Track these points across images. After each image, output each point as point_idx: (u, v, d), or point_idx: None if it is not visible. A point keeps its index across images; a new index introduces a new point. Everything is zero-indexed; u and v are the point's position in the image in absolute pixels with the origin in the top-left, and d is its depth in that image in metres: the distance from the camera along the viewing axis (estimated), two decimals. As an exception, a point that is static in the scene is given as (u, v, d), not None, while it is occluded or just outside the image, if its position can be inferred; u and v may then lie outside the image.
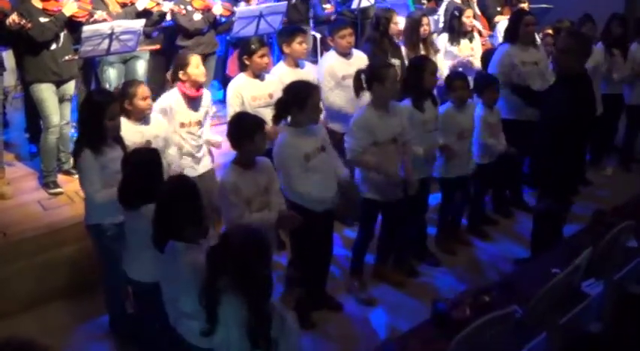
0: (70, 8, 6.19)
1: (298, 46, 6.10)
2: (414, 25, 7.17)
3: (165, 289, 3.80)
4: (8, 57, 6.99)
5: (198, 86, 5.56)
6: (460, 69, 7.20)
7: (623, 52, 7.92)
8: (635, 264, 4.35)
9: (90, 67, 6.93)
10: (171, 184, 3.92)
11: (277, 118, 4.85)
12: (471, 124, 6.03)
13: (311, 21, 9.17)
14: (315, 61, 7.31)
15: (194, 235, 3.66)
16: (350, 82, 5.44)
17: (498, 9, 9.24)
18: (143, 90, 5.18)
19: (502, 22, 8.36)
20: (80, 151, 4.64)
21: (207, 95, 5.77)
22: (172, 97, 5.54)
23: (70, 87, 6.46)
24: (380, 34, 6.90)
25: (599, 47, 7.78)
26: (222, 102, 6.98)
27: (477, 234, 6.61)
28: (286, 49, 6.15)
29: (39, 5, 6.09)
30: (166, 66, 7.03)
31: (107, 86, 6.63)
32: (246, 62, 5.84)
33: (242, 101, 5.78)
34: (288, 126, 4.84)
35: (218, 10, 7.42)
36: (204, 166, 5.82)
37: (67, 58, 6.16)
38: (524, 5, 8.44)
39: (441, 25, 8.51)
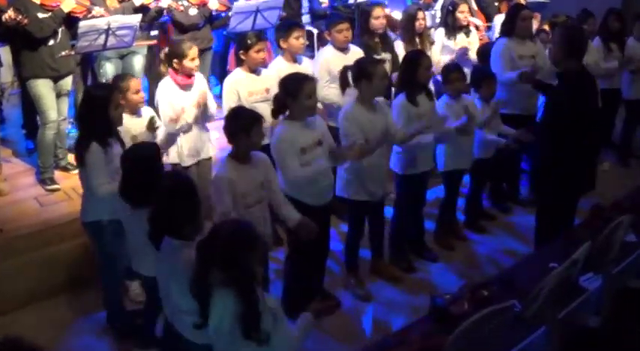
0: (68, 4, 6.17)
1: (295, 41, 6.08)
2: (409, 19, 7.14)
3: (162, 285, 3.79)
4: (5, 53, 6.97)
5: (190, 75, 5.60)
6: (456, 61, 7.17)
7: (620, 46, 7.91)
8: (633, 258, 4.36)
9: (87, 63, 6.91)
10: (169, 181, 3.91)
11: (276, 113, 4.85)
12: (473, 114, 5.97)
13: (309, 16, 9.14)
14: (312, 57, 7.29)
15: (192, 232, 3.65)
16: (348, 77, 5.43)
17: (496, 4, 9.24)
18: (135, 83, 5.32)
19: (499, 16, 8.35)
20: (87, 145, 4.62)
21: (200, 78, 5.76)
22: (167, 86, 5.56)
23: (68, 82, 6.45)
24: (361, 30, 6.87)
25: (596, 43, 7.78)
26: (219, 97, 6.96)
27: (474, 229, 6.61)
28: (283, 45, 6.13)
29: (37, 0, 6.06)
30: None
31: (104, 81, 6.61)
32: (243, 57, 5.82)
33: (238, 97, 5.77)
34: (285, 119, 4.83)
35: (214, 4, 7.40)
36: (205, 153, 5.85)
37: (63, 53, 6.14)
38: (521, 0, 8.42)
39: (437, 20, 8.49)
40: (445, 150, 6.00)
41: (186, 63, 5.48)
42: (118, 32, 5.99)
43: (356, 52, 6.27)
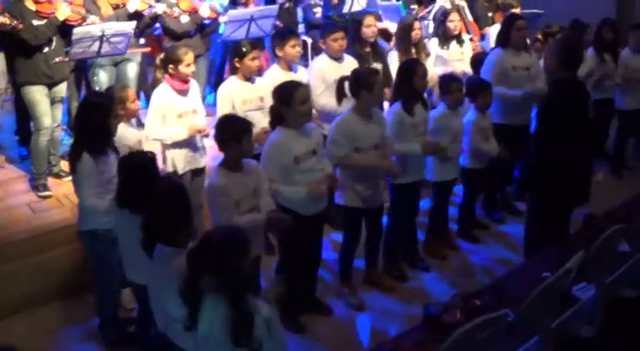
0: (63, 12, 6.18)
1: (291, 49, 6.07)
2: (406, 28, 7.14)
3: (153, 294, 3.78)
4: (-1, 59, 6.98)
5: (186, 81, 5.61)
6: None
7: (614, 57, 7.94)
8: (626, 268, 4.35)
9: (81, 70, 6.91)
10: (163, 187, 3.90)
11: (273, 124, 4.85)
12: (462, 127, 6.05)
13: (303, 25, 9.16)
14: (305, 66, 7.29)
15: (184, 239, 3.65)
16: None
17: (490, 14, 9.26)
18: (132, 92, 5.43)
19: (494, 26, 8.37)
20: (79, 154, 4.62)
21: (194, 85, 5.77)
22: (164, 92, 5.56)
23: (62, 89, 6.45)
24: (353, 38, 6.87)
25: (590, 53, 7.81)
26: (213, 106, 6.97)
27: (467, 238, 6.60)
28: (279, 53, 6.13)
29: (32, 7, 6.07)
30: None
31: (97, 89, 6.60)
32: (237, 65, 5.82)
33: (232, 105, 5.76)
34: (281, 126, 4.83)
35: (205, 11, 7.42)
36: (200, 162, 5.86)
37: (57, 59, 6.14)
38: (516, 10, 8.44)
39: (430, 30, 8.51)
40: (433, 160, 6.00)
41: (182, 68, 5.49)
42: (112, 39, 6.00)
43: (350, 62, 6.28)
